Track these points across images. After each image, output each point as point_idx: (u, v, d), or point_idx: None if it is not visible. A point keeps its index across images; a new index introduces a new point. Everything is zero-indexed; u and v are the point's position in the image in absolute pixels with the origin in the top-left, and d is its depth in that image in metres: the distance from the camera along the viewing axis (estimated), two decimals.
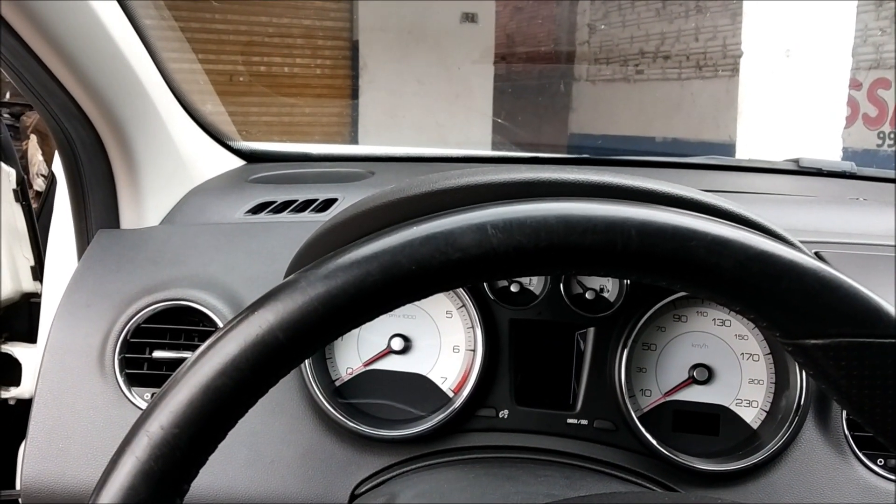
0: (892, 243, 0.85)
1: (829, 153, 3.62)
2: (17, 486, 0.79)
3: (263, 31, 5.69)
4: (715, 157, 1.29)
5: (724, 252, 0.38)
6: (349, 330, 0.40)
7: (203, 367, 0.39)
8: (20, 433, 0.81)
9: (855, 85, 4.91)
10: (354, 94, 6.00)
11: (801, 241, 0.79)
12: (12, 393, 1.06)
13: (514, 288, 0.78)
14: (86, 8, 0.72)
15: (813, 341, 0.38)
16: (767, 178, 1.23)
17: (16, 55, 0.71)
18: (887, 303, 0.38)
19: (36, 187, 3.52)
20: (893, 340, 0.37)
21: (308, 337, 0.39)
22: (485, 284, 0.77)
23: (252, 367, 0.38)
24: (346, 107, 6.06)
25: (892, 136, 5.25)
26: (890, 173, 1.22)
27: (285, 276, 0.55)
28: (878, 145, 5.28)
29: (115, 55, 0.79)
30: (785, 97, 3.60)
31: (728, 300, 0.39)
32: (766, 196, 1.05)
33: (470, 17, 6.06)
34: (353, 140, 5.97)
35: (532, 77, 6.92)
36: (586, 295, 0.77)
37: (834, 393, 0.39)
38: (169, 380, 0.40)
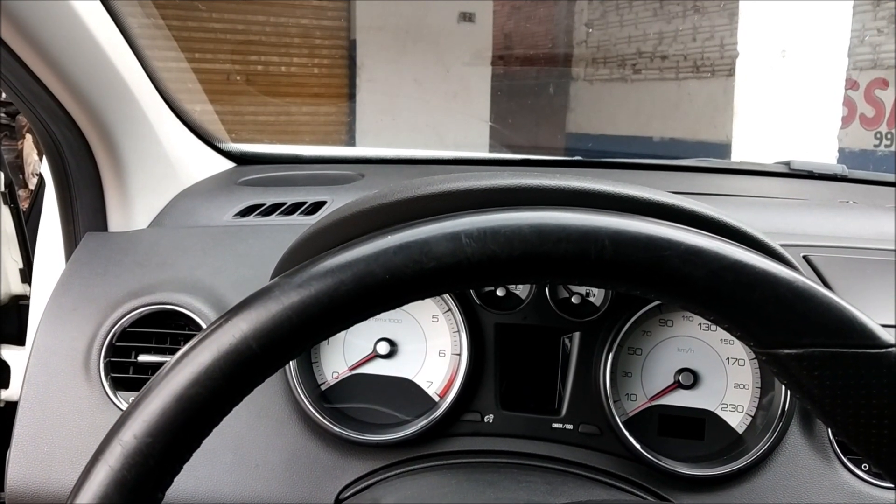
0: (882, 247, 0.85)
1: (826, 153, 3.62)
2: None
3: (261, 31, 5.68)
4: (706, 159, 1.29)
5: (697, 262, 0.38)
6: (324, 339, 0.40)
7: (177, 376, 0.39)
8: (9, 435, 0.81)
9: (852, 85, 4.91)
10: (352, 93, 6.00)
11: (790, 245, 0.79)
12: (2, 395, 1.06)
13: (500, 292, 0.78)
14: (70, 11, 0.72)
15: (786, 351, 0.38)
16: (759, 181, 1.23)
17: None
18: (861, 313, 0.38)
19: (31, 186, 3.51)
20: (866, 350, 0.37)
21: (281, 346, 0.39)
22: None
23: (225, 376, 0.38)
24: (344, 106, 6.06)
25: (890, 136, 5.25)
26: (881, 176, 1.22)
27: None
28: (876, 145, 5.28)
29: (100, 59, 0.79)
30: (781, 97, 3.60)
31: (702, 309, 0.39)
32: (757, 199, 1.05)
33: (467, 17, 6.06)
34: (351, 139, 5.97)
35: (529, 77, 6.92)
36: (572, 299, 0.77)
37: (807, 402, 0.39)
38: (143, 388, 0.40)
